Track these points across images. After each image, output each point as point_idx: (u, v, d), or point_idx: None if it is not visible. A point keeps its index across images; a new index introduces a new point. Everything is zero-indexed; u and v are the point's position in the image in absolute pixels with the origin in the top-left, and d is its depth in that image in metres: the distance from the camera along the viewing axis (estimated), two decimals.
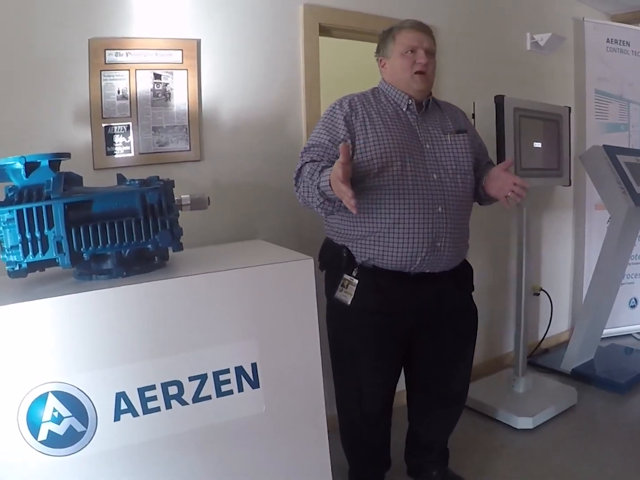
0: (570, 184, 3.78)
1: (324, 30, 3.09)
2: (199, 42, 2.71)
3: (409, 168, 2.18)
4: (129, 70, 2.58)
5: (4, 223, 1.88)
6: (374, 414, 2.47)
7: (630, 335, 4.66)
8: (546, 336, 4.38)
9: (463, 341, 2.51)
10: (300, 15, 2.97)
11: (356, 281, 2.29)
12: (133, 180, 2.07)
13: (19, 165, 1.93)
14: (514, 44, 4.04)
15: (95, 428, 1.92)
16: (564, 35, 4.20)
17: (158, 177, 2.09)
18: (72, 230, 1.91)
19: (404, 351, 2.47)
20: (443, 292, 2.32)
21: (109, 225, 1.95)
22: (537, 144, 3.40)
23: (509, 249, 3.77)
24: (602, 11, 4.82)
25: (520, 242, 3.42)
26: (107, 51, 2.54)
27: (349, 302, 2.30)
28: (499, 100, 3.11)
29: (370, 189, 2.21)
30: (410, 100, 2.26)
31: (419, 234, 2.19)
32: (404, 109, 2.27)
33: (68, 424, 1.89)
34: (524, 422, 3.21)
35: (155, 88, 2.63)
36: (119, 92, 2.58)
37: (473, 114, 3.15)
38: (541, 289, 4.19)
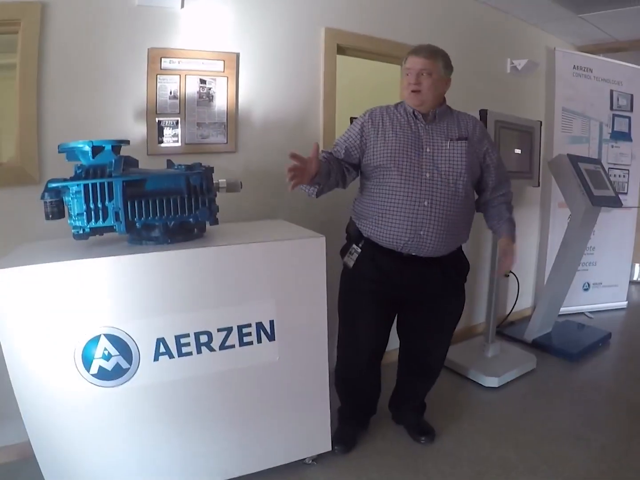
0: (538, 185, 3.76)
1: (341, 50, 3.07)
2: (238, 55, 2.73)
3: (403, 167, 2.21)
4: (179, 75, 2.59)
5: (72, 194, 1.92)
6: (365, 359, 2.50)
7: (582, 313, 4.65)
8: (512, 311, 4.39)
9: (441, 324, 2.49)
10: (322, 37, 2.97)
11: (359, 250, 2.35)
12: (180, 165, 2.09)
13: (87, 148, 1.96)
14: (496, 66, 4.02)
15: (138, 366, 1.97)
16: (538, 61, 4.18)
17: (200, 163, 2.10)
18: (128, 203, 1.93)
19: (393, 317, 2.51)
20: (428, 275, 2.32)
21: (159, 200, 1.97)
22: (518, 151, 3.39)
23: (486, 238, 3.77)
24: (570, 42, 4.80)
25: (495, 234, 3.41)
26: (162, 59, 2.55)
27: (351, 266, 2.37)
28: (483, 114, 3.09)
29: (376, 181, 2.29)
30: (416, 112, 2.26)
31: (404, 221, 2.22)
32: (414, 119, 2.27)
33: (115, 362, 1.93)
34: (490, 381, 3.22)
35: (201, 91, 2.64)
36: (170, 93, 2.59)
37: None
38: (511, 272, 4.15)
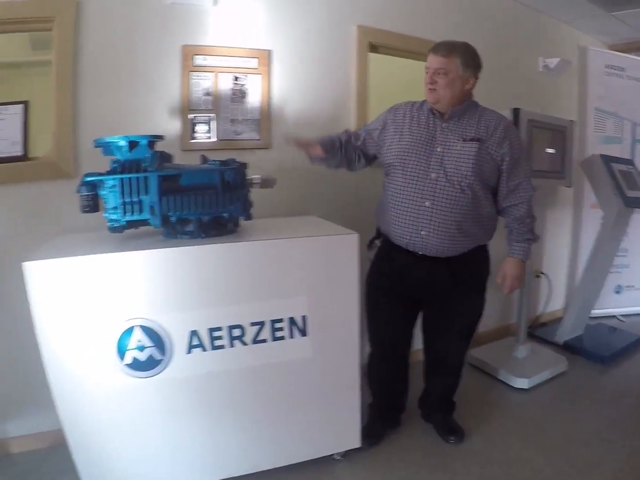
0: (571, 186, 3.71)
1: (373, 48, 3.06)
2: (271, 52, 2.74)
3: (409, 167, 2.22)
4: (213, 72, 2.62)
5: (108, 188, 1.94)
6: (386, 355, 2.51)
7: (614, 316, 4.56)
8: (544, 312, 4.34)
9: (451, 324, 2.45)
10: (354, 34, 2.96)
11: (378, 245, 2.40)
12: (214, 160, 2.10)
13: (122, 143, 1.98)
14: (528, 65, 3.97)
15: (171, 358, 1.99)
16: (570, 60, 4.13)
17: (234, 159, 2.11)
18: (163, 198, 1.95)
19: (411, 315, 2.51)
20: (436, 274, 2.30)
21: (193, 195, 1.99)
22: (550, 150, 3.35)
23: None
24: (603, 41, 4.72)
25: None
26: (195, 56, 2.58)
27: (371, 259, 2.43)
28: (516, 112, 3.07)
29: (388, 178, 2.34)
30: (434, 110, 2.24)
31: (405, 220, 2.23)
32: (432, 117, 2.25)
33: (149, 353, 1.95)
34: (521, 383, 3.18)
35: (234, 88, 2.67)
36: (204, 89, 2.61)
37: None
38: (542, 273, 4.15)
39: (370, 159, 2.44)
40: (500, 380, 3.28)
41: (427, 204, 2.19)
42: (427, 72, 2.20)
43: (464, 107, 2.23)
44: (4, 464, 2.48)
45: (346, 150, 2.38)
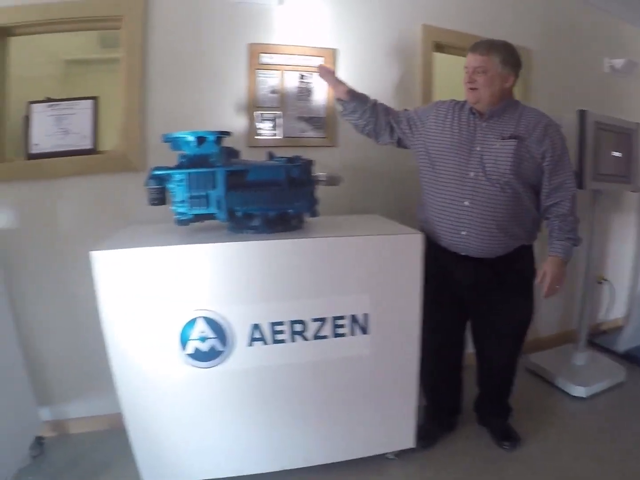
0: (637, 191, 3.60)
1: (439, 47, 3.04)
2: (336, 51, 2.75)
3: (448, 166, 2.22)
4: (279, 70, 2.65)
5: (176, 182, 1.99)
6: (437, 356, 2.47)
7: None
8: (605, 319, 4.22)
9: (496, 328, 2.41)
10: (419, 34, 2.94)
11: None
12: (280, 157, 2.12)
13: (190, 138, 2.02)
14: (594, 66, 3.87)
15: (232, 350, 2.02)
16: (637, 61, 4.00)
17: (301, 156, 2.13)
18: (230, 193, 1.98)
19: (460, 317, 2.49)
20: (480, 276, 2.28)
21: (259, 191, 2.01)
22: (616, 154, 3.25)
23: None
24: None
25: (590, 239, 3.31)
26: (261, 54, 2.61)
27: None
28: (582, 114, 3.00)
29: (425, 178, 2.34)
30: (473, 109, 2.23)
31: (445, 221, 2.23)
32: (472, 116, 2.24)
33: (211, 344, 1.99)
34: (578, 391, 3.10)
35: (300, 86, 2.70)
36: (270, 87, 2.65)
37: (560, 125, 3.06)
38: (604, 279, 4.03)
39: (396, 137, 2.44)
40: (558, 387, 3.21)
41: (466, 203, 2.18)
42: (466, 72, 2.19)
43: (503, 106, 2.21)
44: (62, 444, 2.60)
45: (377, 115, 2.40)
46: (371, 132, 2.44)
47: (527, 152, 2.15)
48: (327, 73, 2.44)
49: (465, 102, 2.29)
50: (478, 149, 2.18)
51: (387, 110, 2.43)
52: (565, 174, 2.22)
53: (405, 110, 2.46)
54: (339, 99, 2.42)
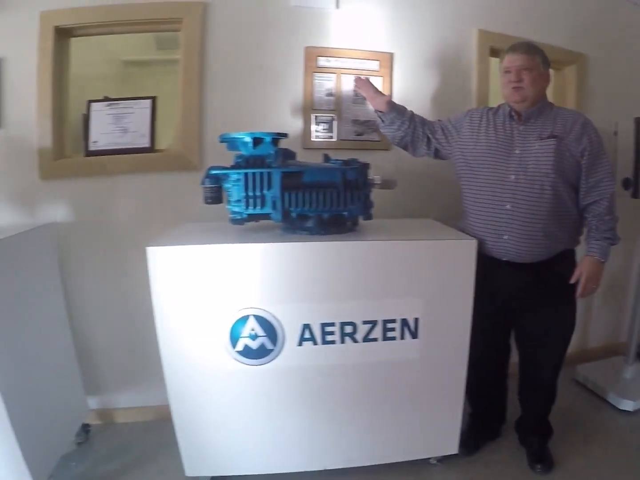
0: None
1: (494, 52, 3.00)
2: (392, 55, 2.76)
3: (487, 170, 2.20)
4: (335, 73, 2.67)
5: (232, 182, 2.03)
6: (481, 364, 2.41)
7: None
8: None
9: (542, 334, 2.35)
10: (475, 39, 2.92)
11: None
12: (336, 159, 2.14)
13: (247, 139, 2.05)
14: None
15: (282, 349, 2.05)
16: None
17: (357, 159, 2.14)
18: (285, 193, 2.01)
19: (503, 325, 2.47)
20: (521, 282, 2.24)
21: (315, 192, 2.03)
22: None
23: (632, 252, 3.59)
24: None
25: None
26: (318, 57, 2.64)
27: None
28: (639, 122, 2.95)
29: (465, 183, 2.34)
30: (512, 112, 2.22)
31: (487, 225, 2.21)
32: (510, 120, 2.23)
33: (261, 342, 2.02)
34: (625, 404, 3.04)
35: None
36: (326, 90, 2.68)
37: (615, 132, 3.01)
38: None
39: (432, 148, 2.43)
40: (605, 400, 3.15)
41: (507, 207, 2.16)
42: (508, 72, 2.18)
43: (539, 108, 2.20)
44: (108, 432, 2.69)
45: (415, 126, 2.39)
46: (408, 143, 2.43)
47: (567, 150, 2.13)
48: (365, 84, 2.45)
49: (498, 107, 2.31)
50: (517, 152, 2.16)
51: (423, 121, 2.43)
52: (602, 172, 2.18)
53: (439, 120, 2.45)
54: (377, 111, 2.42)
